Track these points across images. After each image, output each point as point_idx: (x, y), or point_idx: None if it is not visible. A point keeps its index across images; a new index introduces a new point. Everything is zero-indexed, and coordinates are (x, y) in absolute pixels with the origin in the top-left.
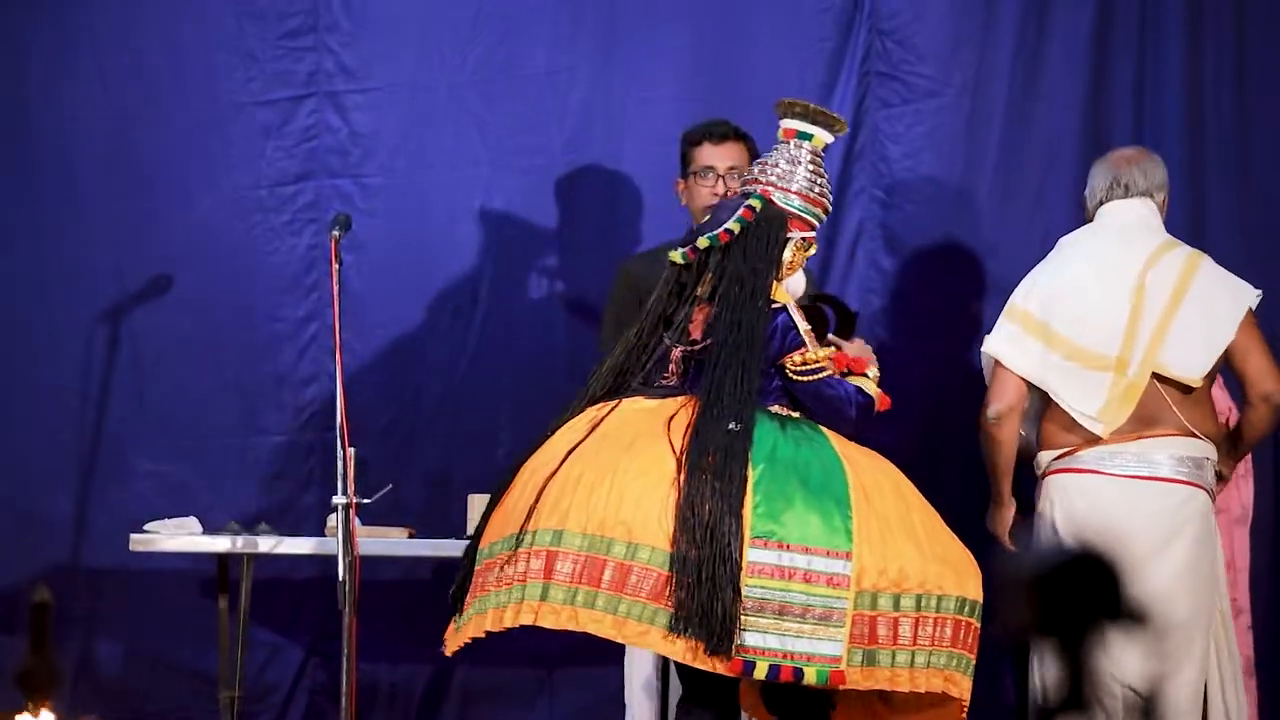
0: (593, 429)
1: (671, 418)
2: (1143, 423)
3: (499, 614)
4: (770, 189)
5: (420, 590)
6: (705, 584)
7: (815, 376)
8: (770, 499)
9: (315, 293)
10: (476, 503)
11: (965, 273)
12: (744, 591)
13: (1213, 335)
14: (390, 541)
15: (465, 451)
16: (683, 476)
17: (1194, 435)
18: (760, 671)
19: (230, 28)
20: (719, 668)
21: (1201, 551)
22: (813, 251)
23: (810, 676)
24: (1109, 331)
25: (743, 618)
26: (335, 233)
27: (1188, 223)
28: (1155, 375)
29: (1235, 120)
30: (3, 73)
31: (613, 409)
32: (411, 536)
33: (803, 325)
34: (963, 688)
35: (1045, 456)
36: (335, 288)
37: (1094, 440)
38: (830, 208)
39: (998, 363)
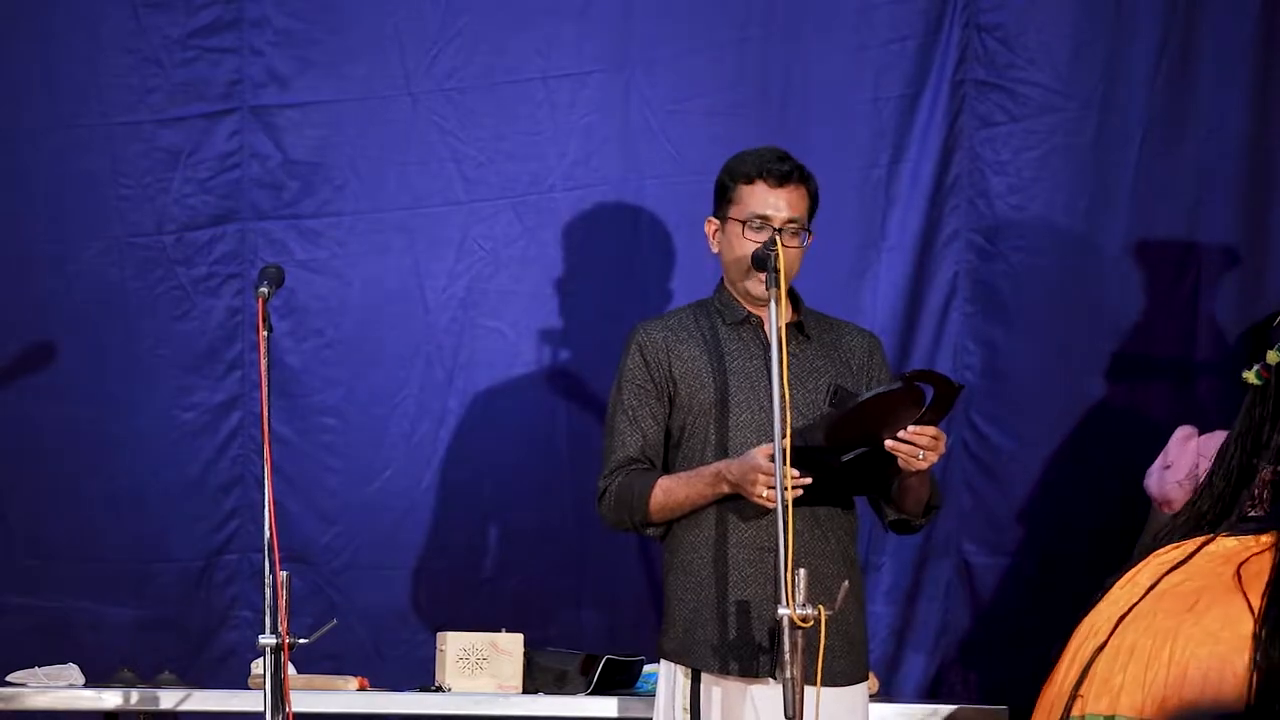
0: (1155, 583)
1: (1242, 564)
2: None
3: None
4: None
5: None
6: None
7: None
8: None
9: (238, 370)
10: (451, 641)
11: (1088, 345)
12: None
13: None
14: (336, 695)
15: (435, 576)
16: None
17: None
18: None
19: (124, 19)
20: None
21: None
22: None
23: None
24: None
25: None
26: (264, 290)
27: None
28: None
29: None
30: None
31: (1188, 555)
32: (364, 688)
33: None
34: None
35: None
36: (263, 363)
37: None
38: None
39: None
